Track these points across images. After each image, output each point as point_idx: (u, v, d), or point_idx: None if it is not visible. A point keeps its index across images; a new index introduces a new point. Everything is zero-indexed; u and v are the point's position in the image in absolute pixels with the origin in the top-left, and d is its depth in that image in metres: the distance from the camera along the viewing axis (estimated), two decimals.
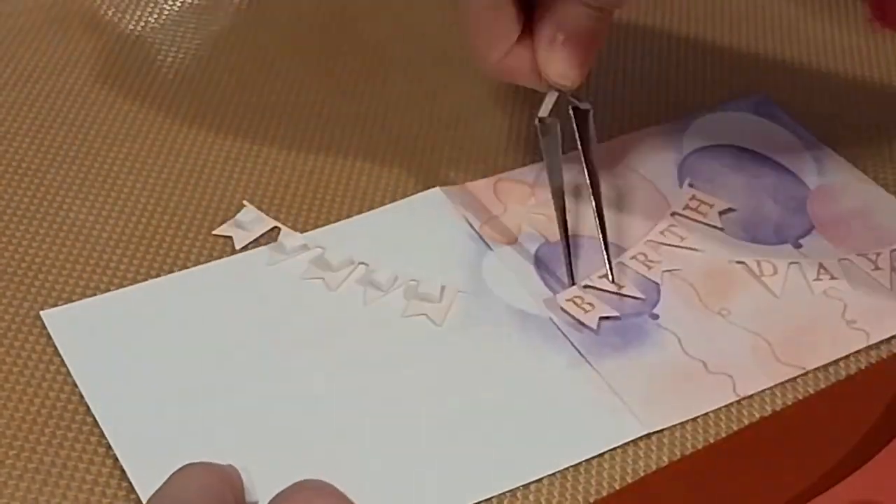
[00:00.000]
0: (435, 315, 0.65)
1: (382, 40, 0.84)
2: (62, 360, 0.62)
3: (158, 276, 0.67)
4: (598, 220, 0.68)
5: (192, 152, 0.75)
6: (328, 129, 0.77)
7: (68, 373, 0.61)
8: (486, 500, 0.58)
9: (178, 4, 0.86)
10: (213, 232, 0.70)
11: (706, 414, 0.62)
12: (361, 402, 0.62)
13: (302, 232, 0.70)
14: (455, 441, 0.59)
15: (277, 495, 0.52)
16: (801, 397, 0.63)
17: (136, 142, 0.75)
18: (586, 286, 0.67)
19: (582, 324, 0.65)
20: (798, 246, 0.71)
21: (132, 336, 0.63)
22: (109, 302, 0.65)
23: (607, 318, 0.65)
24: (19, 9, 0.84)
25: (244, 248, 0.69)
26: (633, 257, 0.69)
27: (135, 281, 0.66)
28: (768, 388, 0.63)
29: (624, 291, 0.67)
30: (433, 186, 0.73)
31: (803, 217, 0.73)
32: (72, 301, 0.65)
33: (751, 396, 0.63)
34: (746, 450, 0.60)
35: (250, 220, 0.69)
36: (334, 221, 0.71)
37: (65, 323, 0.64)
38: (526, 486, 0.58)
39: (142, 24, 0.84)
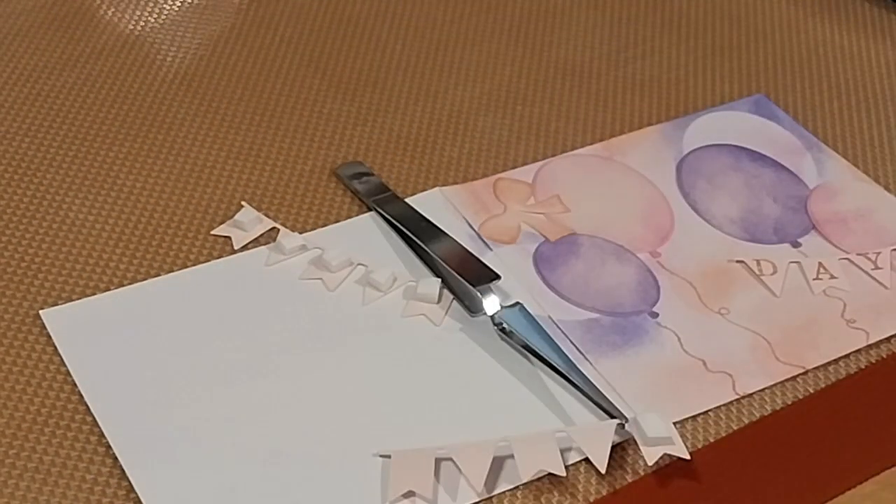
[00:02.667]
0: (433, 315, 0.65)
1: (382, 40, 0.84)
2: (62, 360, 0.62)
3: (158, 275, 0.67)
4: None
5: (191, 152, 0.75)
6: (328, 129, 0.77)
7: (68, 373, 0.61)
8: (486, 500, 0.58)
9: (178, 4, 0.86)
10: (212, 232, 0.69)
11: (706, 412, 0.62)
12: (361, 401, 0.62)
13: (301, 232, 0.70)
14: (454, 440, 0.59)
15: None
16: (800, 396, 0.63)
17: (136, 142, 0.75)
18: None
19: None
20: (797, 245, 0.71)
21: (132, 335, 0.63)
22: (109, 301, 0.65)
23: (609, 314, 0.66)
24: (19, 9, 0.84)
25: (243, 249, 0.69)
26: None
27: (134, 280, 0.66)
28: (768, 387, 0.63)
29: None
30: (433, 186, 0.73)
31: (803, 216, 0.73)
32: (72, 301, 0.65)
33: (750, 395, 0.63)
34: (746, 449, 0.60)
35: (249, 221, 0.69)
36: (333, 222, 0.71)
37: (65, 322, 0.64)
38: (526, 485, 0.58)
39: (142, 24, 0.84)
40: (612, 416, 0.60)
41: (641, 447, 0.59)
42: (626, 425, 0.59)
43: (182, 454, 0.58)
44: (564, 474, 0.58)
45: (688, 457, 0.59)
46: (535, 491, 0.58)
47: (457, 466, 0.58)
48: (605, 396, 0.61)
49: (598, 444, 0.58)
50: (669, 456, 0.59)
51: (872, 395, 0.64)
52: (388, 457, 0.58)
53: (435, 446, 0.58)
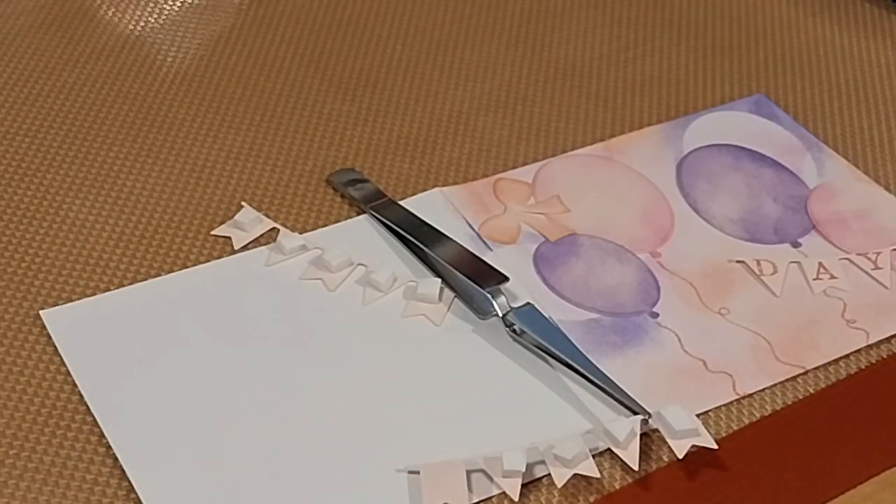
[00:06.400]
0: (434, 315, 0.65)
1: (382, 40, 0.84)
2: (62, 360, 0.62)
3: (158, 276, 0.67)
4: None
5: (191, 153, 0.75)
6: (328, 130, 0.77)
7: (68, 373, 0.61)
8: (485, 500, 0.58)
9: (178, 4, 0.86)
10: (212, 232, 0.69)
11: (706, 412, 0.62)
12: (361, 401, 0.61)
13: (301, 233, 0.70)
14: (454, 440, 0.59)
15: None
16: (800, 397, 0.63)
17: (136, 142, 0.75)
18: None
19: None
20: (797, 245, 0.71)
21: (132, 336, 0.63)
22: (109, 302, 0.65)
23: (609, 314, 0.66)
24: (19, 9, 0.84)
25: (243, 249, 0.69)
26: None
27: (134, 281, 0.66)
28: (768, 388, 0.63)
29: None
30: (433, 187, 0.73)
31: (803, 216, 0.73)
32: (72, 301, 0.65)
33: (751, 395, 0.63)
34: (746, 449, 0.60)
35: (249, 221, 0.69)
36: (333, 222, 0.71)
37: (65, 323, 0.64)
38: (525, 485, 0.58)
39: (142, 24, 0.84)
40: (631, 411, 0.60)
41: (669, 441, 0.59)
42: (651, 420, 0.60)
43: (182, 454, 0.58)
44: (598, 475, 0.58)
45: (716, 447, 0.59)
46: (535, 490, 0.58)
47: (488, 477, 0.58)
48: (624, 392, 0.61)
49: (628, 444, 0.59)
50: (671, 453, 0.59)
51: (872, 395, 0.64)
52: (417, 472, 0.58)
53: (464, 458, 0.58)
